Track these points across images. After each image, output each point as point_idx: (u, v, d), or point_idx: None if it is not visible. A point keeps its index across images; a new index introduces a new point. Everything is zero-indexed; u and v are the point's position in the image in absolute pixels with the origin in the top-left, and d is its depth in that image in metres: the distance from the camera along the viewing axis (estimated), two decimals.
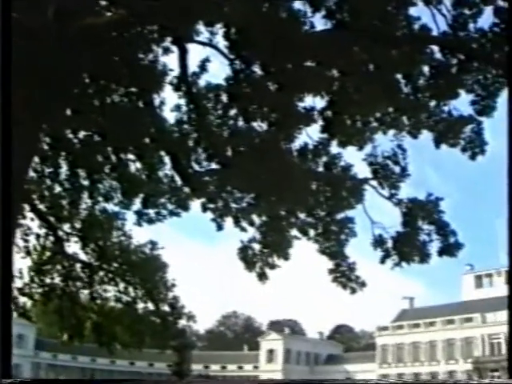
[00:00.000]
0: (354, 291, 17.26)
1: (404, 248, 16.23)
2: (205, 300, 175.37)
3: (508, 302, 11.07)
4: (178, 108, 16.03)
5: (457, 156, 15.76)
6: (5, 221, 8.37)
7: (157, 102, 15.83)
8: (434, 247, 16.22)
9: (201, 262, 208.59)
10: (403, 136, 15.94)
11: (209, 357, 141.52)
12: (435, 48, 14.17)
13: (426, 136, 15.90)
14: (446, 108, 15.52)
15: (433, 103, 15.40)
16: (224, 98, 15.47)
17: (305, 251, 20.34)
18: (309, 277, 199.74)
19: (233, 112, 15.61)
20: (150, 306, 30.75)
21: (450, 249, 16.06)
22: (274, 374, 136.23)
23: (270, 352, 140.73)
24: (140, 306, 30.34)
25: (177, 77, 15.46)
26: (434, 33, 14.02)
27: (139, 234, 26.85)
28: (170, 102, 16.05)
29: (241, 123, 15.58)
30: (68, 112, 14.78)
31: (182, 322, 34.99)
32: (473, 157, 15.69)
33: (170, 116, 16.15)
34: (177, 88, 15.63)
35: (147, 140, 15.95)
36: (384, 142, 16.29)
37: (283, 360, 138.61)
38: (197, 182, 16.42)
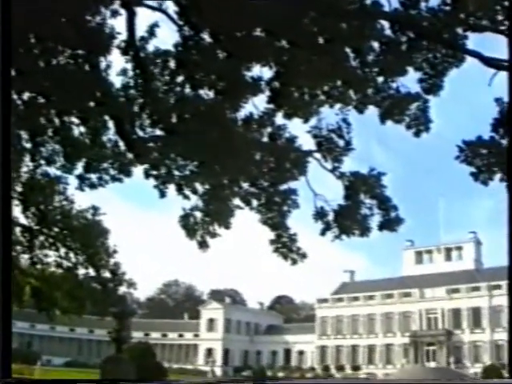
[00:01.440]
0: (294, 262, 17.33)
1: (345, 221, 16.35)
2: (146, 267, 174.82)
3: (508, 299, 11.26)
4: (124, 72, 15.78)
5: (402, 132, 15.94)
6: (4, 218, 8.26)
7: (103, 65, 15.58)
8: (375, 221, 16.40)
9: (143, 229, 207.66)
10: (349, 110, 16.00)
11: (149, 324, 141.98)
12: (386, 24, 14.20)
13: (373, 111, 16.00)
14: (393, 84, 15.60)
15: (381, 79, 15.46)
16: (172, 64, 15.28)
17: (247, 221, 20.41)
18: (251, 247, 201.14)
19: (180, 79, 15.44)
20: (91, 272, 30.59)
21: (390, 223, 16.25)
22: (214, 343, 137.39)
23: (211, 321, 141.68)
24: (81, 271, 30.16)
25: (124, 41, 15.18)
26: (386, 9, 14.07)
27: (81, 199, 26.63)
28: (116, 66, 15.84)
29: (187, 90, 15.43)
30: (12, 72, 14.47)
31: (123, 289, 34.94)
32: (417, 134, 15.85)
33: (116, 80, 15.95)
34: (124, 52, 15.37)
35: (92, 104, 15.71)
36: (329, 115, 16.34)
37: (223, 329, 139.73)
38: (140, 147, 16.23)
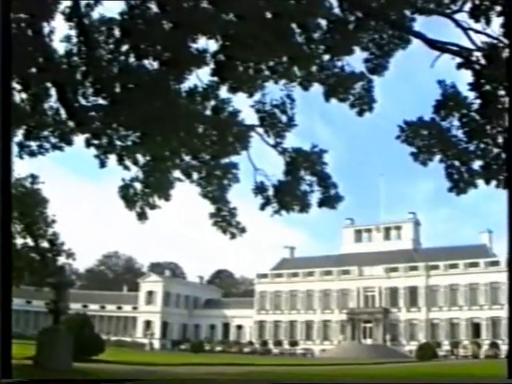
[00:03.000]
0: (233, 236, 17.39)
1: (285, 196, 16.42)
2: (86, 238, 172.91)
3: (508, 295, 11.43)
4: (68, 39, 15.54)
5: (346, 111, 16.07)
6: (4, 221, 8.12)
7: (46, 30, 15.29)
8: (315, 198, 16.50)
9: (83, 198, 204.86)
10: (293, 86, 16.03)
11: (88, 296, 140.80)
12: (334, 3, 14.25)
13: (317, 89, 16.08)
14: (338, 63, 15.69)
15: (326, 57, 15.52)
16: (116, 32, 15.09)
17: (188, 194, 20.37)
18: (192, 220, 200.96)
19: (124, 48, 15.26)
20: (29, 241, 30.20)
21: (329, 200, 16.38)
22: (152, 316, 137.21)
23: (150, 294, 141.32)
24: (19, 241, 29.75)
25: (69, 6, 14.93)
26: None
27: (20, 167, 26.23)
28: (60, 32, 15.57)
29: (132, 60, 15.27)
30: None
31: (62, 260, 34.58)
32: (360, 113, 16.01)
33: (60, 47, 15.68)
34: (68, 18, 15.11)
35: (34, 69, 15.43)
36: (274, 90, 16.35)
37: (162, 302, 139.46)
38: (82, 116, 16.03)
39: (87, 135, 16.50)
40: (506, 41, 12.62)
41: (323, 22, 14.60)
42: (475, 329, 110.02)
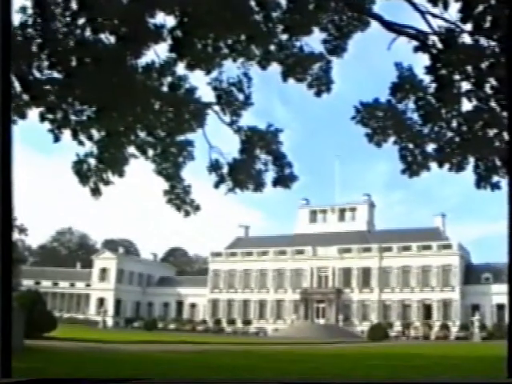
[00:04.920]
0: (187, 214, 17.30)
1: (239, 175, 16.40)
2: (39, 214, 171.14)
3: (508, 294, 11.56)
4: (23, 10, 15.26)
5: (303, 91, 16.10)
6: (5, 219, 7.99)
7: None
8: (270, 177, 16.50)
9: (36, 173, 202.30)
10: (251, 65, 15.99)
11: (40, 272, 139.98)
12: None
13: (276, 68, 16.06)
14: (297, 43, 15.67)
15: (285, 36, 15.50)
16: (74, 5, 14.86)
17: (144, 171, 20.23)
18: (147, 198, 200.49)
19: (81, 21, 15.04)
20: None
21: (284, 180, 16.36)
22: (106, 293, 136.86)
23: (103, 271, 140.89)
24: None
25: None
26: None
27: None
28: (14, 3, 15.24)
29: (88, 34, 15.05)
30: None
31: (14, 235, 34.23)
32: (318, 93, 16.03)
33: (15, 18, 15.36)
34: None
35: None
36: (231, 68, 16.30)
37: (116, 279, 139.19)
38: (37, 89, 15.76)
39: (42, 109, 16.23)
40: (462, 26, 12.73)
41: (283, 1, 14.56)
42: (426, 310, 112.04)
